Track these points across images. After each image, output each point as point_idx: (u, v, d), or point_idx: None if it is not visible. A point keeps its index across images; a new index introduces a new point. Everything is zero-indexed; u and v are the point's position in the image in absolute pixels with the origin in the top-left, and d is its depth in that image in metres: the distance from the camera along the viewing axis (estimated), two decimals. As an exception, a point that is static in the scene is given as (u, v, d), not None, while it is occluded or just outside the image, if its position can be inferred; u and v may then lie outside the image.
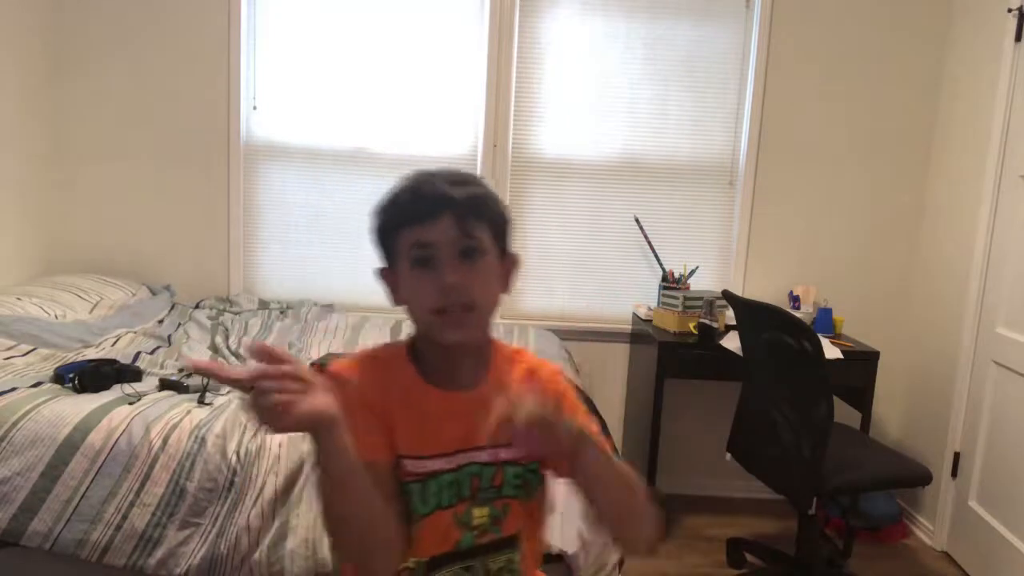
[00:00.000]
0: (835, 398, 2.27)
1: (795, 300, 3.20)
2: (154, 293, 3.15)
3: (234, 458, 1.90)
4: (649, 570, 2.73)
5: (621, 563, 2.01)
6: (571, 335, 3.25)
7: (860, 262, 3.32)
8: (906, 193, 3.28)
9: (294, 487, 1.89)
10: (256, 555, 1.84)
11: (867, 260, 3.32)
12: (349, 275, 3.29)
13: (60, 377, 2.15)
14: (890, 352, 3.09)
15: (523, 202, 3.27)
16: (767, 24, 3.16)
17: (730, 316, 2.84)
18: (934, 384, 3.09)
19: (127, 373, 2.24)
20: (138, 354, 2.50)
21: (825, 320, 3.04)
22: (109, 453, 1.90)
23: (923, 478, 2.38)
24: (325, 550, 1.85)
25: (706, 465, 3.31)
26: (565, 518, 1.84)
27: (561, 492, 1.11)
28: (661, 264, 3.14)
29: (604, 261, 3.32)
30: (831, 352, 2.71)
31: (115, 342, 2.60)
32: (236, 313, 3.05)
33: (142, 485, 1.89)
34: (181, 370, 2.37)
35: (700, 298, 2.96)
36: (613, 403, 3.35)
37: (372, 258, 1.06)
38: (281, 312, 3.11)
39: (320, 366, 2.29)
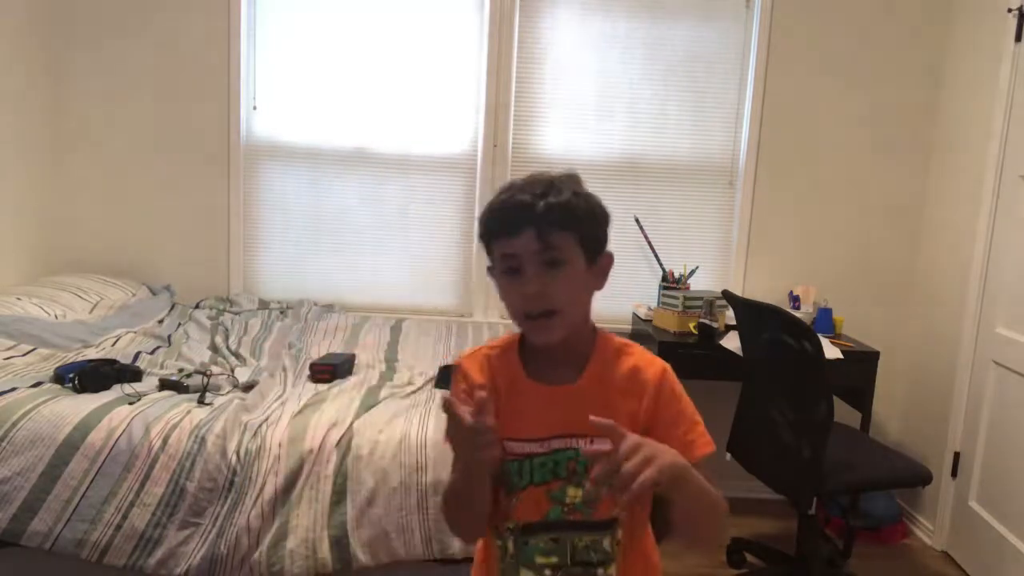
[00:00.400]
0: (835, 398, 2.27)
1: (795, 300, 3.20)
2: (154, 293, 3.15)
3: (234, 458, 1.90)
4: (649, 570, 2.73)
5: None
6: (571, 335, 3.25)
7: (860, 262, 3.32)
8: (906, 193, 3.28)
9: (294, 487, 1.89)
10: (256, 555, 1.84)
11: (867, 260, 3.32)
12: (349, 275, 3.29)
13: (60, 377, 2.15)
14: (890, 352, 3.09)
15: (523, 202, 3.26)
16: (767, 24, 3.16)
17: (730, 316, 2.85)
18: (934, 384, 3.09)
19: (127, 373, 2.24)
20: (138, 354, 2.50)
21: (825, 320, 3.04)
22: (109, 453, 1.90)
23: (923, 478, 2.38)
24: (325, 550, 1.85)
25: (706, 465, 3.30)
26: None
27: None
28: (661, 264, 3.14)
29: (604, 261, 3.31)
30: (831, 352, 2.71)
31: (115, 342, 2.60)
32: (236, 313, 3.05)
33: (142, 485, 1.89)
34: (181, 370, 2.37)
35: (700, 298, 2.96)
36: (613, 403, 3.34)
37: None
38: (281, 312, 3.11)
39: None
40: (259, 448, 1.92)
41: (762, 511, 3.25)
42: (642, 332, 3.11)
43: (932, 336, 3.13)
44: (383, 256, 3.28)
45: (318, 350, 2.66)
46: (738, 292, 3.13)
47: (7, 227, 2.92)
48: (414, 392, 2.30)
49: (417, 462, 1.92)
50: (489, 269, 1.14)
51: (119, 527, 1.86)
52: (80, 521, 1.87)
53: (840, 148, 3.26)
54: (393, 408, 2.11)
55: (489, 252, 1.12)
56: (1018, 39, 2.67)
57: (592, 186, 1.17)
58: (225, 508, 1.88)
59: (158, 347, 2.63)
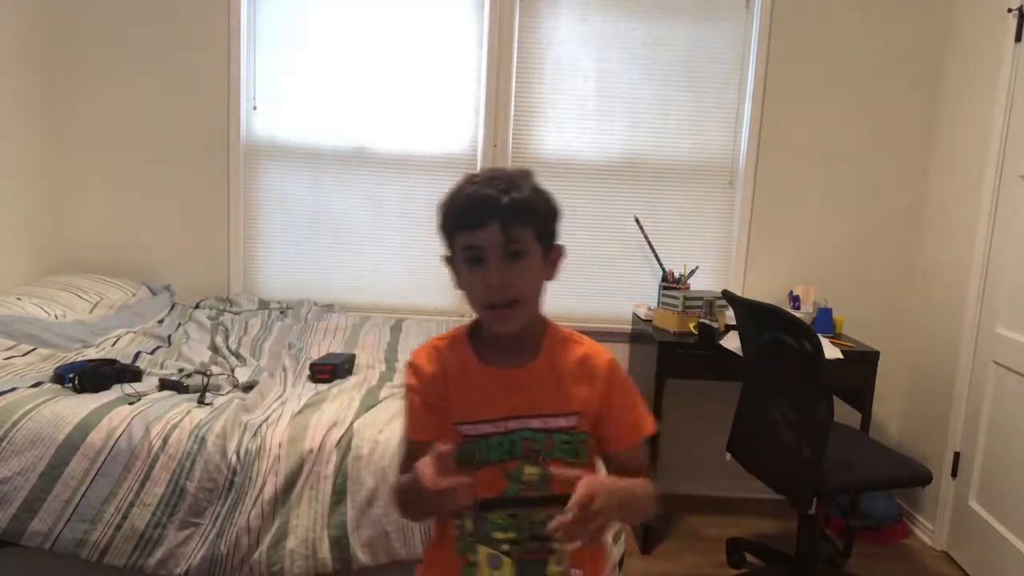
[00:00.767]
0: (835, 398, 2.27)
1: (795, 300, 3.20)
2: (154, 293, 3.15)
3: (234, 458, 1.90)
4: (649, 570, 2.74)
5: (621, 563, 2.01)
6: (571, 335, 3.25)
7: (860, 262, 3.32)
8: (906, 193, 3.28)
9: (294, 487, 1.89)
10: (256, 555, 1.84)
11: (867, 260, 3.32)
12: (349, 275, 3.29)
13: (60, 377, 2.15)
14: (890, 352, 3.09)
15: (523, 202, 3.27)
16: (767, 24, 3.17)
17: (730, 316, 2.84)
18: (934, 384, 3.09)
19: (127, 373, 2.24)
20: (138, 354, 2.50)
21: (825, 320, 3.04)
22: (109, 453, 1.90)
23: (923, 478, 2.38)
24: (325, 550, 1.85)
25: (706, 465, 3.31)
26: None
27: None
28: (661, 264, 3.14)
29: (604, 261, 3.32)
30: (831, 352, 2.71)
31: (115, 342, 2.60)
32: (236, 313, 3.05)
33: (142, 485, 1.89)
34: (181, 370, 2.37)
35: (700, 298, 2.96)
36: (613, 403, 3.34)
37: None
38: (281, 312, 3.11)
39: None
40: (259, 448, 1.92)
41: (762, 511, 3.25)
42: (642, 332, 3.11)
43: (932, 336, 3.14)
44: (383, 256, 3.29)
45: (318, 350, 2.66)
46: (738, 292, 3.13)
47: (7, 227, 2.92)
48: (414, 392, 2.30)
49: (417, 462, 1.92)
50: (446, 258, 1.19)
51: (119, 527, 1.86)
52: (80, 521, 1.87)
53: (840, 148, 3.26)
54: (393, 408, 2.11)
55: (449, 242, 1.16)
56: (1018, 39, 2.68)
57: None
58: (225, 508, 1.88)
59: (158, 347, 2.63)
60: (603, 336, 3.31)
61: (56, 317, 2.60)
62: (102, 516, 1.87)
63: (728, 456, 2.63)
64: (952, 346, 2.96)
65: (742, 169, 3.26)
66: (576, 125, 3.24)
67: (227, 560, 1.84)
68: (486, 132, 3.21)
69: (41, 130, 3.08)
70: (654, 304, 3.14)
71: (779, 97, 3.22)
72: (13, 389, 2.05)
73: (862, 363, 2.83)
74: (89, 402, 2.02)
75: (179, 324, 2.89)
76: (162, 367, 2.43)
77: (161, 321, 2.91)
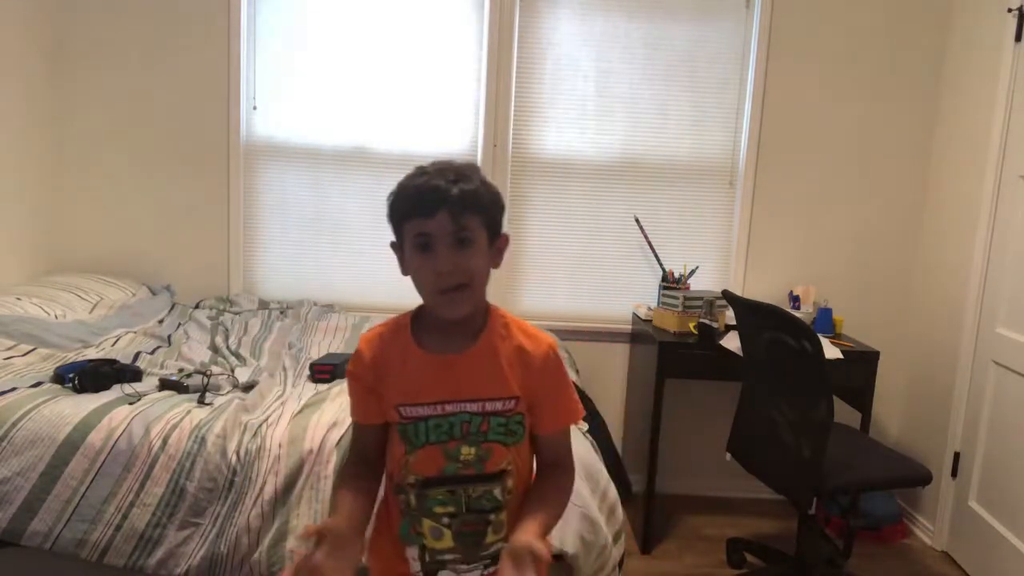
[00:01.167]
0: (835, 398, 2.27)
1: (795, 300, 3.20)
2: (154, 293, 3.15)
3: (234, 458, 1.90)
4: (649, 570, 2.74)
5: (621, 563, 2.01)
6: (571, 335, 3.26)
7: (860, 262, 3.32)
8: (906, 193, 3.28)
9: (294, 487, 1.89)
10: (256, 555, 1.84)
11: (867, 260, 3.32)
12: (349, 275, 3.29)
13: (60, 377, 2.15)
14: (890, 352, 3.09)
15: (523, 202, 3.27)
16: (767, 24, 3.16)
17: (730, 316, 2.84)
18: (934, 384, 3.09)
19: (127, 373, 2.24)
20: (138, 354, 2.50)
21: (825, 320, 3.04)
22: (109, 453, 1.90)
23: (923, 478, 2.38)
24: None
25: (706, 465, 3.31)
26: (565, 519, 1.84)
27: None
28: (661, 264, 3.14)
29: (604, 261, 3.32)
30: (831, 352, 2.71)
31: (115, 342, 2.60)
32: (236, 313, 3.05)
33: (142, 485, 1.89)
34: (181, 370, 2.37)
35: (700, 298, 2.96)
36: (613, 403, 3.35)
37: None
38: (281, 312, 3.11)
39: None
40: (259, 448, 1.92)
41: (762, 511, 3.25)
42: (642, 332, 3.11)
43: (932, 336, 3.14)
44: (383, 256, 3.26)
45: (318, 350, 2.66)
46: (738, 292, 3.13)
47: (7, 227, 2.92)
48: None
49: (417, 462, 1.92)
50: (393, 245, 1.25)
51: (119, 527, 1.86)
52: (80, 521, 1.87)
53: (840, 148, 3.26)
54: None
55: (399, 230, 1.22)
56: (1018, 39, 2.68)
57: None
58: (225, 508, 1.88)
59: (158, 347, 2.63)
60: (603, 336, 3.32)
61: (56, 317, 2.60)
62: (102, 516, 1.87)
63: (728, 456, 2.63)
64: (952, 346, 2.96)
65: (742, 169, 3.26)
66: (576, 125, 3.24)
67: (227, 560, 1.84)
68: (486, 132, 3.21)
69: (41, 130, 3.08)
70: (654, 304, 3.15)
71: (779, 97, 3.22)
72: (13, 389, 2.05)
73: (862, 363, 2.83)
74: (89, 402, 2.02)
75: (179, 324, 2.89)
76: (162, 367, 2.43)
77: (161, 321, 2.91)
